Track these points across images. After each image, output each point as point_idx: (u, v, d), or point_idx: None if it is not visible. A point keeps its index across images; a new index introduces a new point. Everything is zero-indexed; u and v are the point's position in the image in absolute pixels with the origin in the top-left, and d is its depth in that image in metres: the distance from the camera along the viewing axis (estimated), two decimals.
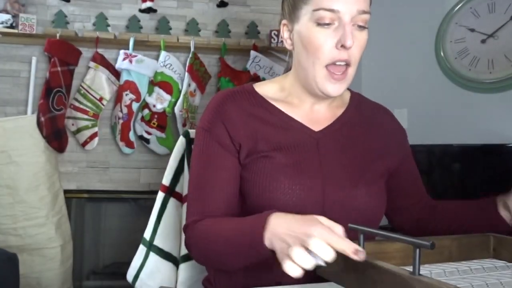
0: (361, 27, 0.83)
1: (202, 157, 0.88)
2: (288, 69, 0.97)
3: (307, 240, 0.61)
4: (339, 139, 0.90)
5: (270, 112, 0.90)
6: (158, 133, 2.50)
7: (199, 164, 0.88)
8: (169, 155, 1.29)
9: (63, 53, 2.36)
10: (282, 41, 0.93)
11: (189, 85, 2.49)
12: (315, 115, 0.92)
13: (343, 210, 0.84)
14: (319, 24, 0.81)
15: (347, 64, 0.83)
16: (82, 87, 2.46)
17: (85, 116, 2.46)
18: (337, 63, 0.82)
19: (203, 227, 0.83)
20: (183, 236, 1.03)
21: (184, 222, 0.90)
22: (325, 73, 0.83)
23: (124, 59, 2.42)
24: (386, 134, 0.96)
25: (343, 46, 0.81)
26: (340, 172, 0.86)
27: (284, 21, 0.90)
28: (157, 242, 1.09)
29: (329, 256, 0.61)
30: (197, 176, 0.88)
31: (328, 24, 0.81)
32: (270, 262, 0.70)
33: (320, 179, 0.84)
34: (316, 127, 0.90)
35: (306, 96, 0.91)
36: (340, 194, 0.84)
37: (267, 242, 0.68)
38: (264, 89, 0.94)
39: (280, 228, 0.67)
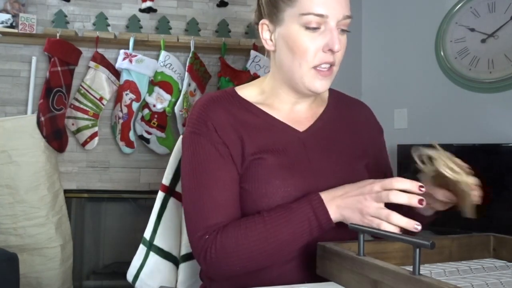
0: (344, 31, 0.85)
1: (195, 163, 0.85)
2: None
3: (382, 195, 0.72)
4: (323, 138, 0.92)
5: (254, 114, 0.90)
6: (158, 133, 2.50)
7: (194, 171, 0.85)
8: (169, 155, 1.29)
9: (63, 53, 2.36)
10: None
11: (189, 84, 2.49)
12: (296, 116, 0.93)
13: None
14: (307, 28, 0.82)
15: (331, 65, 0.86)
16: (82, 87, 2.46)
17: (85, 116, 2.46)
18: (323, 65, 0.85)
19: (232, 236, 0.79)
20: (184, 236, 1.02)
21: (184, 222, 0.90)
22: (312, 73, 0.85)
23: (124, 58, 2.42)
24: (362, 130, 0.98)
25: (330, 50, 0.83)
26: (329, 169, 0.88)
27: (264, 21, 0.89)
28: (157, 242, 1.09)
29: (415, 200, 0.71)
30: (193, 185, 0.84)
31: (315, 28, 0.82)
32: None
33: (311, 178, 0.86)
34: (300, 127, 0.91)
35: (287, 96, 0.92)
36: (333, 187, 0.83)
37: (333, 215, 0.77)
38: (246, 92, 0.94)
39: (339, 199, 0.77)
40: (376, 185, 0.74)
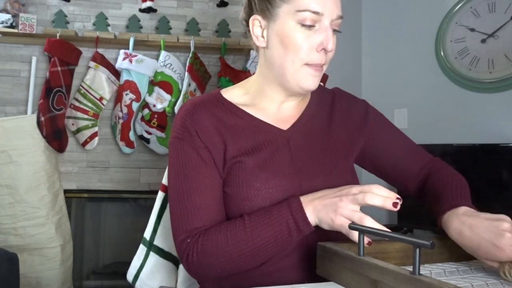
0: (335, 31, 0.86)
1: (179, 168, 0.86)
2: None
3: (358, 197, 0.73)
4: (307, 133, 0.92)
5: (238, 116, 0.90)
6: (158, 133, 2.50)
7: (177, 176, 0.86)
8: None
9: (63, 53, 2.35)
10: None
11: (189, 84, 2.49)
12: (282, 115, 0.93)
13: None
14: (303, 25, 0.82)
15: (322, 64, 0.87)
16: (82, 87, 2.46)
17: (85, 116, 2.46)
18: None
19: (212, 240, 0.80)
20: None
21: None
22: (304, 70, 0.85)
23: (124, 58, 2.42)
24: (346, 117, 0.97)
25: (324, 49, 0.84)
26: (312, 165, 0.88)
27: (255, 17, 0.88)
28: (157, 242, 1.09)
29: (389, 203, 0.71)
30: (177, 189, 0.86)
31: (310, 26, 0.82)
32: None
33: (295, 176, 0.86)
34: (285, 125, 0.91)
35: (276, 95, 0.92)
36: (317, 186, 0.84)
37: (310, 218, 0.77)
38: (231, 94, 0.94)
39: (317, 201, 0.77)
40: (355, 188, 0.75)
